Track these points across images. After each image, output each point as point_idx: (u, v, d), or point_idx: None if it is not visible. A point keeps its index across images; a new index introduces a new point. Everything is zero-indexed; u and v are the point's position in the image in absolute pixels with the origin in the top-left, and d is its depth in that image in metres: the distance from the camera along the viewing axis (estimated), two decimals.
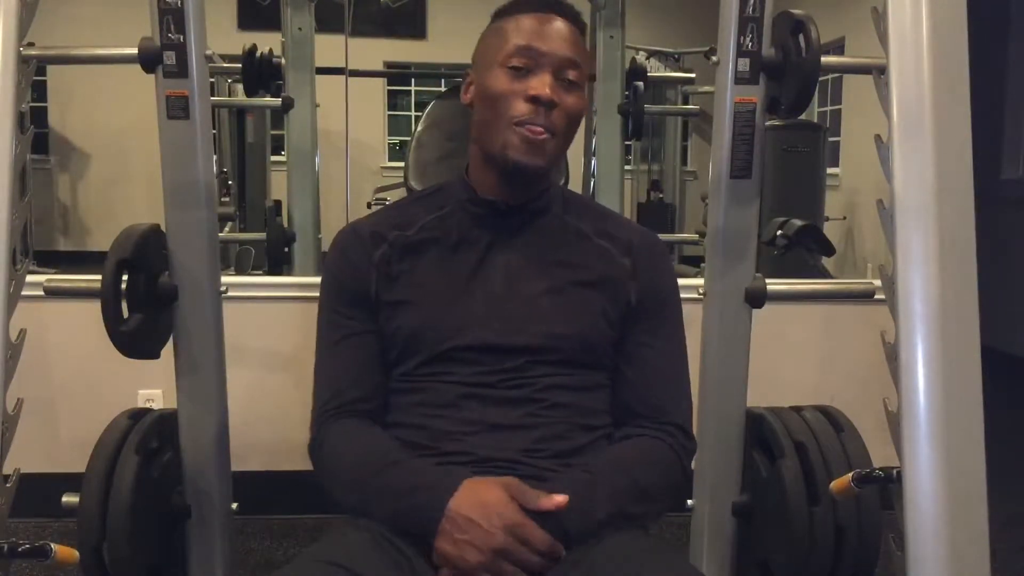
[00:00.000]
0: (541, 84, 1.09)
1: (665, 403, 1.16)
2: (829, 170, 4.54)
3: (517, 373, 1.11)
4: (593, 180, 3.77)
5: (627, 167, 4.46)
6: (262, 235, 3.51)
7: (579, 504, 1.02)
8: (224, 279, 1.62)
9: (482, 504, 0.98)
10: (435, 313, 1.14)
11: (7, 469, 1.24)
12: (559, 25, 1.13)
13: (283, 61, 3.19)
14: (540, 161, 1.11)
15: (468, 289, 1.15)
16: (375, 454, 1.09)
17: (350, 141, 4.08)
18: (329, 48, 3.63)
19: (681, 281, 1.24)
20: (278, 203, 3.75)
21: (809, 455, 1.54)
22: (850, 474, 1.23)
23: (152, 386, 2.27)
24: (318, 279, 1.24)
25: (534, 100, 1.09)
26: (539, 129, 1.09)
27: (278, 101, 3.24)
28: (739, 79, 1.47)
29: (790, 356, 2.40)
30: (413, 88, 7.17)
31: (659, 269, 1.20)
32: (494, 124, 1.12)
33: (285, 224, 3.39)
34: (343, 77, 3.76)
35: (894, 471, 1.13)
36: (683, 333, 1.22)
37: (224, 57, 3.64)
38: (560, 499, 0.99)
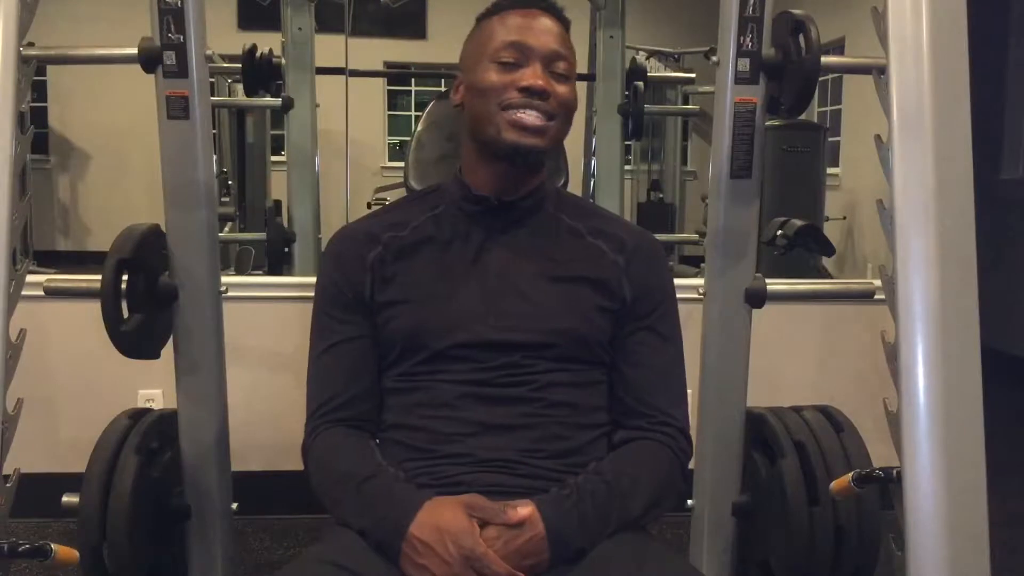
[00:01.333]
0: (533, 75, 1.10)
1: (664, 405, 1.16)
2: (829, 170, 4.54)
3: (514, 370, 1.11)
4: (593, 180, 3.77)
5: (627, 167, 4.46)
6: (262, 235, 3.51)
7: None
8: (224, 279, 1.62)
9: (439, 529, 0.97)
10: (431, 312, 1.14)
11: (7, 469, 1.24)
12: (545, 21, 1.14)
13: (283, 61, 3.18)
14: (539, 141, 1.11)
15: (463, 287, 1.15)
16: (352, 470, 1.08)
17: (350, 141, 4.08)
18: (329, 48, 3.63)
19: (681, 281, 1.24)
20: (278, 203, 3.75)
21: (809, 455, 1.54)
22: (850, 474, 1.23)
23: (152, 386, 2.27)
24: None
25: (527, 90, 1.09)
26: (535, 114, 1.10)
27: (278, 101, 3.24)
28: (739, 79, 1.47)
29: (790, 356, 2.40)
30: (413, 88, 7.18)
31: (653, 268, 1.19)
32: (487, 113, 1.12)
33: (285, 224, 3.39)
34: (343, 77, 3.76)
35: (894, 471, 1.13)
36: (680, 334, 1.21)
37: (224, 57, 3.65)
38: (524, 511, 0.99)
